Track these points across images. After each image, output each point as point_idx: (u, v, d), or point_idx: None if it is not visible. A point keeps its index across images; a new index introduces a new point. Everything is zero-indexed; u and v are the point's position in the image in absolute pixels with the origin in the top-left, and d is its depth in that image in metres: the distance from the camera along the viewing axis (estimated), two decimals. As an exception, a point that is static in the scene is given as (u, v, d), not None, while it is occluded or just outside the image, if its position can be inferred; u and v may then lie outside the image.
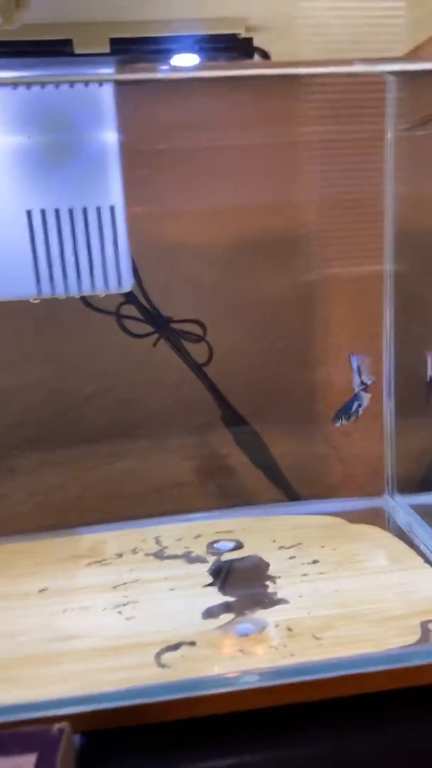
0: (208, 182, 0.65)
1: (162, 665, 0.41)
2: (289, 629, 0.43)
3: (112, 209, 0.49)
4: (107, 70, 0.47)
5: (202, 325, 0.65)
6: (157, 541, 0.56)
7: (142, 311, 0.63)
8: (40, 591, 0.49)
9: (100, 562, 0.53)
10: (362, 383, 0.56)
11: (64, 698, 0.38)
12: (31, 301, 0.50)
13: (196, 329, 0.65)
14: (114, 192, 0.49)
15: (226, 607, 0.46)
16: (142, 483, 0.70)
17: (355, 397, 0.57)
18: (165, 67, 0.47)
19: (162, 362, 0.68)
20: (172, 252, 0.67)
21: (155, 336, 0.64)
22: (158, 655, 0.42)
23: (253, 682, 0.39)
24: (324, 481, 0.72)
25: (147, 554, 0.54)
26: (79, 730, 0.37)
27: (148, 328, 0.64)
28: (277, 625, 0.44)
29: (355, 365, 0.56)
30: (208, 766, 0.37)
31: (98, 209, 0.49)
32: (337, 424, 0.58)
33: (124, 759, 0.38)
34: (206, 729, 0.38)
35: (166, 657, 0.41)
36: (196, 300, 0.67)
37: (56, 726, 0.35)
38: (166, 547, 0.55)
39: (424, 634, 0.42)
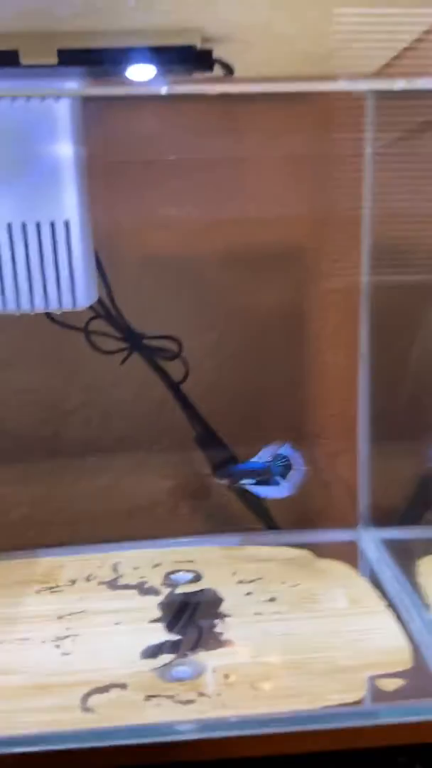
0: (195, 195, 0.63)
1: (86, 709, 0.39)
2: (226, 676, 0.40)
3: (66, 224, 0.47)
4: (71, 85, 0.46)
5: (177, 341, 0.63)
6: (114, 569, 0.54)
7: (114, 326, 0.61)
8: (-18, 618, 0.48)
9: (50, 589, 0.51)
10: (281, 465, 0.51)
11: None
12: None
13: (173, 346, 0.63)
14: (69, 207, 0.47)
15: (168, 647, 0.44)
16: (120, 501, 0.68)
17: (269, 469, 0.52)
18: (128, 81, 0.45)
19: (146, 379, 0.66)
20: (156, 266, 0.65)
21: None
22: (85, 697, 0.39)
23: (173, 734, 0.36)
24: (306, 507, 0.69)
25: (101, 582, 0.52)
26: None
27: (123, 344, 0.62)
28: (214, 671, 0.41)
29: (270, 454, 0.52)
30: None
31: (52, 224, 0.47)
32: (220, 480, 0.53)
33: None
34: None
35: (94, 699, 0.39)
36: (180, 315, 0.65)
37: None
38: (121, 576, 0.53)
39: (370, 691, 0.38)
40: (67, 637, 0.45)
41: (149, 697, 0.39)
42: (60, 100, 0.46)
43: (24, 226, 0.47)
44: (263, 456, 0.52)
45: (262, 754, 0.36)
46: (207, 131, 0.61)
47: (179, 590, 0.50)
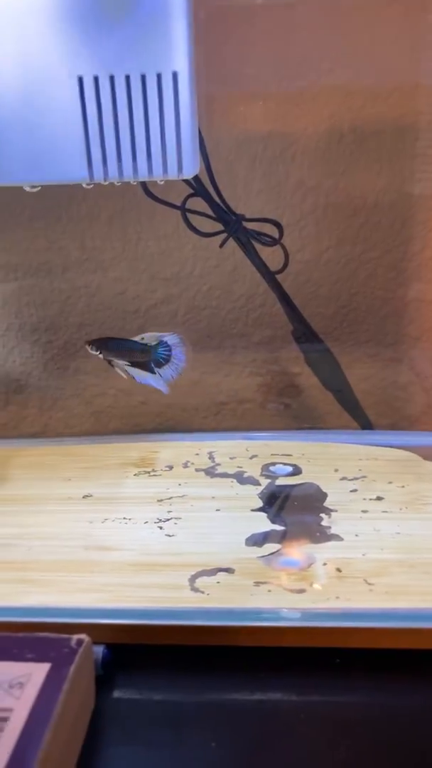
0: (301, 54, 0.55)
1: (195, 589, 0.38)
2: (338, 569, 0.39)
3: (174, 76, 0.42)
4: None
5: (278, 225, 0.58)
6: (210, 457, 0.53)
7: (211, 206, 0.56)
8: (84, 497, 0.48)
9: (149, 472, 0.51)
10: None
11: (92, 608, 0.37)
12: (84, 185, 0.45)
13: (272, 231, 0.58)
14: (178, 55, 0.41)
15: (273, 536, 0.42)
16: (206, 396, 0.66)
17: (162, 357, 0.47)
18: None
19: (236, 270, 0.62)
20: (254, 141, 0.59)
21: (224, 236, 0.57)
22: (193, 578, 0.39)
23: (288, 620, 0.36)
24: (403, 410, 0.66)
25: (198, 469, 0.51)
26: (102, 641, 0.36)
27: (219, 227, 0.57)
28: (324, 563, 0.40)
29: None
30: (230, 698, 0.35)
31: (159, 76, 0.42)
32: (92, 351, 0.48)
33: (147, 676, 0.36)
34: (233, 659, 0.36)
35: (201, 581, 0.39)
36: (278, 198, 0.59)
37: (75, 637, 0.33)
38: (218, 464, 0.52)
39: None
40: (169, 519, 0.45)
41: (258, 584, 0.38)
42: None
43: (128, 79, 0.42)
44: (149, 339, 0.47)
45: (375, 646, 0.35)
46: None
47: (279, 482, 0.49)
